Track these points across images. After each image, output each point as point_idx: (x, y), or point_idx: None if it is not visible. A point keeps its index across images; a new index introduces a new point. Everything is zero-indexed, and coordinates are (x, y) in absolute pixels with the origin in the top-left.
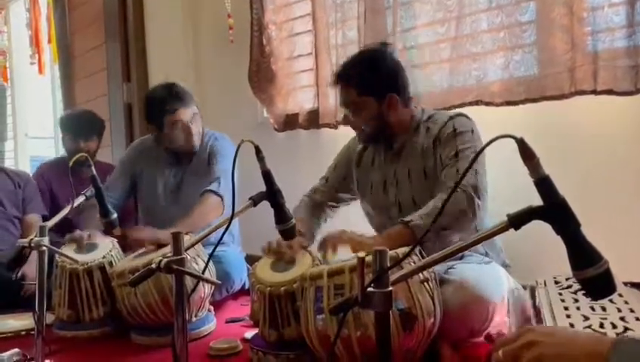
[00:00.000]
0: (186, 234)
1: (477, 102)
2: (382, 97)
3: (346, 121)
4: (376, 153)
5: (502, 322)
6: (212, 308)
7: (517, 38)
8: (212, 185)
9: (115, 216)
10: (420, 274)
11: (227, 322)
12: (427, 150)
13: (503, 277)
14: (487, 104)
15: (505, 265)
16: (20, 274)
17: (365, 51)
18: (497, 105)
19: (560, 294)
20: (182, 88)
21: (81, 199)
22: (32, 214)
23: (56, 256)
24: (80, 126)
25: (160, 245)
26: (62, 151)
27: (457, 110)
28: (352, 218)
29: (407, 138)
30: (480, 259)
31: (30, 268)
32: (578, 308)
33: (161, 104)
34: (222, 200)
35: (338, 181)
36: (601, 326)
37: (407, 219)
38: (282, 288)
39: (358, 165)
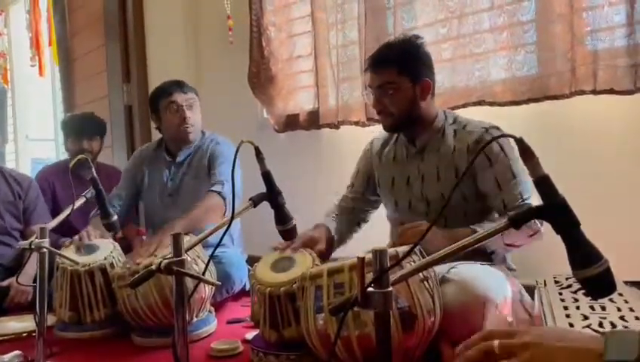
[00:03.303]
0: (186, 234)
1: (480, 103)
2: (418, 80)
3: (375, 105)
4: (397, 150)
5: (503, 322)
6: (213, 309)
7: (519, 37)
8: (216, 186)
9: (115, 218)
10: (420, 273)
11: (228, 323)
12: (460, 153)
13: (504, 278)
14: (491, 104)
15: (509, 269)
16: (6, 283)
17: (401, 38)
18: (501, 105)
19: (560, 294)
20: (186, 82)
21: (81, 201)
22: (38, 225)
23: (57, 257)
24: (82, 126)
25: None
26: (62, 153)
27: (480, 119)
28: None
29: (431, 137)
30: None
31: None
32: (578, 308)
33: (160, 89)
34: (224, 202)
35: (363, 184)
36: (601, 325)
37: (474, 227)
38: (282, 288)
39: (379, 162)
